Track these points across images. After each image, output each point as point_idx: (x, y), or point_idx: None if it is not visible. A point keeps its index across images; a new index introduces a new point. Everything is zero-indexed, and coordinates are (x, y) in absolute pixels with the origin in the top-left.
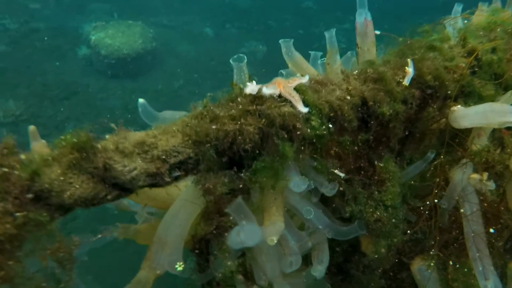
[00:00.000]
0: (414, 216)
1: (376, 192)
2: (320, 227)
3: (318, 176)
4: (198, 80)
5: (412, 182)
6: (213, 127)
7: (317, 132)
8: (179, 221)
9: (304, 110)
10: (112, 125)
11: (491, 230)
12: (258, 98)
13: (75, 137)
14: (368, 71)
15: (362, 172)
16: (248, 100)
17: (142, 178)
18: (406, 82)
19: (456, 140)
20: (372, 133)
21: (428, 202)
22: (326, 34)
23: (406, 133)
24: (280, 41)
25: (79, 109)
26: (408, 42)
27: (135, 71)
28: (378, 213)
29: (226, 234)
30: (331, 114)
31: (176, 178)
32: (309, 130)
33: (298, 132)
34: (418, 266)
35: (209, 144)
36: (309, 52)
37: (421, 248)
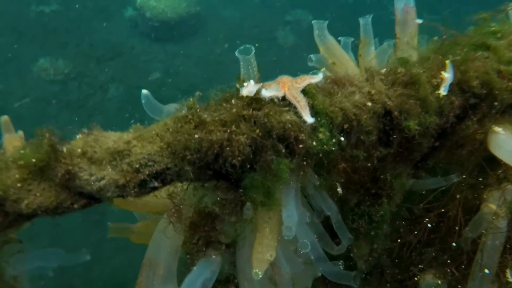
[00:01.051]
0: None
1: (368, 203)
2: (312, 258)
3: (324, 197)
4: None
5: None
6: (196, 136)
7: (325, 146)
8: (169, 239)
9: (310, 120)
10: (84, 130)
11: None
12: (256, 100)
13: (34, 151)
14: (399, 71)
15: (362, 180)
16: (244, 102)
17: (111, 189)
18: (442, 91)
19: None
20: (394, 148)
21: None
22: (361, 21)
23: (436, 145)
24: (313, 22)
25: (122, 70)
26: (443, 36)
27: (178, 35)
28: (359, 223)
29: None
30: (345, 126)
31: (153, 189)
32: (314, 143)
33: (300, 146)
34: (425, 281)
35: (189, 156)
36: (339, 38)
37: (434, 261)
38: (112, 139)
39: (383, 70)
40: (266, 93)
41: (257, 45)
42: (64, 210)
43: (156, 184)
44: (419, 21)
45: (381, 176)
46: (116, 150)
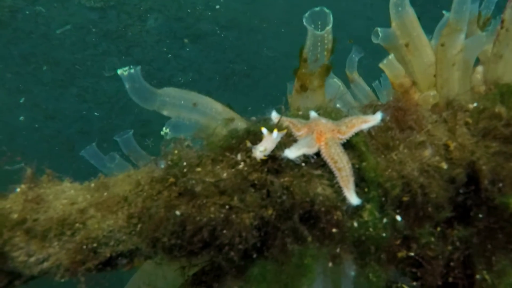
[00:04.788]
0: None
1: None
2: None
3: None
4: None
5: None
6: (177, 212)
7: (371, 230)
8: None
9: (355, 201)
10: (29, 170)
11: None
12: (273, 158)
13: None
14: (497, 112)
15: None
16: (254, 158)
17: (59, 272)
18: None
19: None
20: (479, 229)
21: None
22: None
23: None
24: None
25: (161, 1)
26: None
27: None
28: None
29: None
30: (404, 198)
31: (124, 266)
32: (356, 225)
33: (334, 229)
34: None
35: (164, 240)
36: (443, 12)
37: None
38: (62, 202)
39: (472, 105)
40: (291, 154)
41: None
42: None
43: (124, 261)
44: None
45: (476, 276)
46: (66, 220)
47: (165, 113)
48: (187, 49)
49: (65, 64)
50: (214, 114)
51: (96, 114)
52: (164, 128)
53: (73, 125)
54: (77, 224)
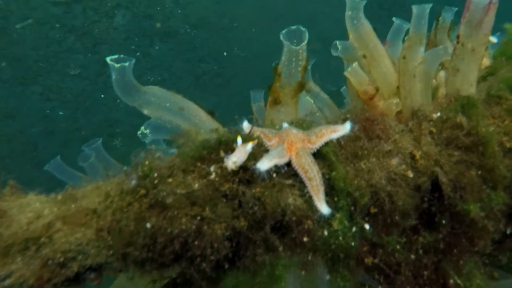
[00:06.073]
0: None
1: None
2: None
3: None
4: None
5: None
6: (148, 224)
7: (340, 239)
8: None
9: (325, 210)
10: None
11: None
12: (245, 170)
13: None
14: (458, 122)
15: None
16: (225, 169)
17: None
18: None
19: None
20: (443, 234)
21: None
22: (415, 10)
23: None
24: (347, 0)
25: None
26: None
27: None
28: None
29: None
30: (372, 210)
31: (93, 280)
32: (326, 234)
33: (305, 239)
34: None
35: (135, 254)
36: (393, 19)
37: None
38: (27, 215)
39: (435, 115)
40: (263, 166)
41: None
42: None
43: (93, 275)
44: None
45: (451, 281)
46: (31, 235)
47: (145, 112)
48: (156, 47)
49: (26, 61)
50: (198, 122)
51: (60, 113)
52: (142, 128)
53: (36, 125)
54: (42, 239)
